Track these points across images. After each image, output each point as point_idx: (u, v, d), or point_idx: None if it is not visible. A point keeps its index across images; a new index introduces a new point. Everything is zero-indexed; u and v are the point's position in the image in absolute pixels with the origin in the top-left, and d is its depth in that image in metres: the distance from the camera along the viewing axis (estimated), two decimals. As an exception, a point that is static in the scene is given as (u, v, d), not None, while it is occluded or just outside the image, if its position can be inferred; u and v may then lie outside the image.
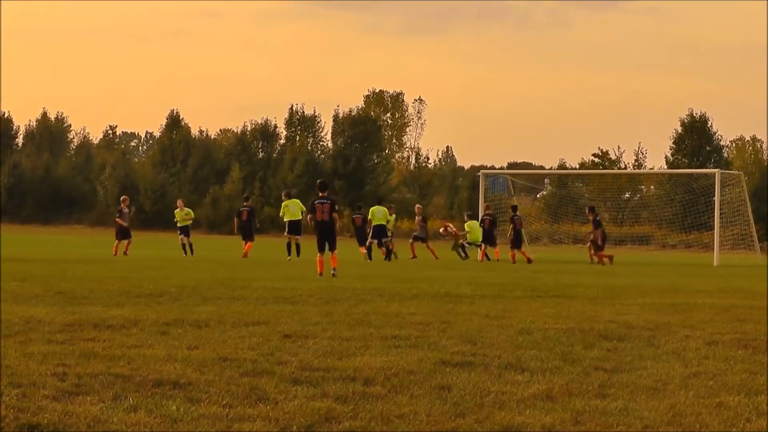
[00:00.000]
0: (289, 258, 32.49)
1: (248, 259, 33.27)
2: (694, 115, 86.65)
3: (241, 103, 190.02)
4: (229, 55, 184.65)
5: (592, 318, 12.60)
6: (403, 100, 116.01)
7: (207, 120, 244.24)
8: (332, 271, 21.98)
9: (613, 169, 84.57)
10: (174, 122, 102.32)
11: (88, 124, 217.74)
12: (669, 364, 8.71)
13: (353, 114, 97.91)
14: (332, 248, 22.49)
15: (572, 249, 48.65)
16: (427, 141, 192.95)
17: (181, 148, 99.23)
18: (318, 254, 22.54)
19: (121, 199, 37.25)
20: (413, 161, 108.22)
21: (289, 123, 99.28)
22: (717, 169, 46.87)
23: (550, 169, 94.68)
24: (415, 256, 37.24)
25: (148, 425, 5.96)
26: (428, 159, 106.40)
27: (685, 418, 6.47)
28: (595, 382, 7.67)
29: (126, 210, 35.44)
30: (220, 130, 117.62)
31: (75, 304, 13.23)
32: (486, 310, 13.56)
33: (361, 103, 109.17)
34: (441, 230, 41.16)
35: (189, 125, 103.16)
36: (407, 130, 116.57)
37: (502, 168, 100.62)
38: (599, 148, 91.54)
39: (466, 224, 39.90)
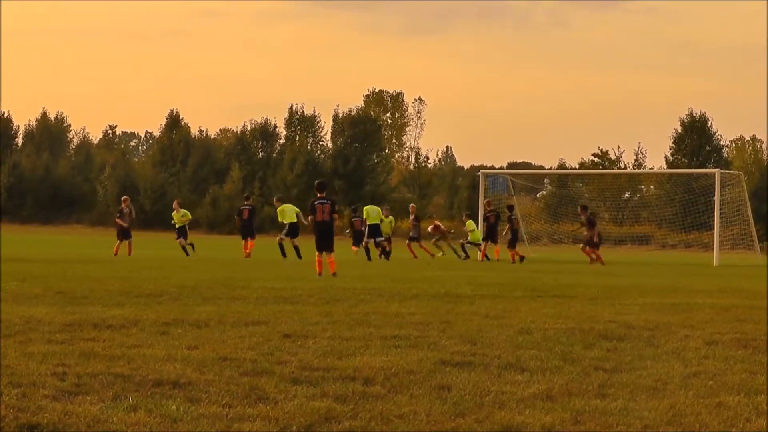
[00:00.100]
0: (285, 257, 32.53)
1: (248, 258, 33.36)
2: (694, 115, 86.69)
3: (241, 103, 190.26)
4: (229, 55, 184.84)
5: (592, 318, 12.60)
6: (402, 99, 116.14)
7: (207, 120, 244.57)
8: (332, 274, 21.96)
9: (612, 169, 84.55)
10: (174, 122, 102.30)
11: (87, 123, 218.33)
12: (669, 364, 8.72)
13: (353, 114, 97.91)
14: (329, 250, 22.44)
15: (572, 249, 48.60)
16: (426, 141, 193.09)
17: (180, 148, 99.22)
18: (317, 254, 22.53)
19: (122, 199, 37.37)
20: (413, 161, 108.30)
21: (289, 123, 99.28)
22: (717, 169, 46.87)
23: (550, 169, 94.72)
24: (416, 257, 37.29)
25: (148, 425, 5.96)
26: (428, 159, 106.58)
27: (684, 418, 6.47)
28: (595, 382, 7.67)
29: (126, 210, 35.48)
30: (220, 129, 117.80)
31: (75, 304, 13.23)
32: (486, 310, 13.56)
33: (360, 103, 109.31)
34: (430, 228, 41.09)
35: (189, 125, 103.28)
36: (407, 129, 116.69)
37: (501, 168, 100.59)
38: (599, 147, 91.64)
39: (466, 224, 39.92)
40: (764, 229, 62.20)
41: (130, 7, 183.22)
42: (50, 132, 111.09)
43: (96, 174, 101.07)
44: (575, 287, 19.23)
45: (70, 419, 6.02)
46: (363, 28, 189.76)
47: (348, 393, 6.99)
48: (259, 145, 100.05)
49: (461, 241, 39.46)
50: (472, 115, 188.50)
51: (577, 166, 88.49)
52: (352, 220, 38.28)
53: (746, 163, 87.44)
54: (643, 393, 7.29)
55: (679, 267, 35.01)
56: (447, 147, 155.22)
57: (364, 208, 36.85)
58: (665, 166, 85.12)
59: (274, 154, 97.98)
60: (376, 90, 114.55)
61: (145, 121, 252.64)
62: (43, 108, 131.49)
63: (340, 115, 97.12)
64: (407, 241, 39.55)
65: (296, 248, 32.85)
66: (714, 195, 42.52)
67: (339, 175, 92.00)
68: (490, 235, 37.11)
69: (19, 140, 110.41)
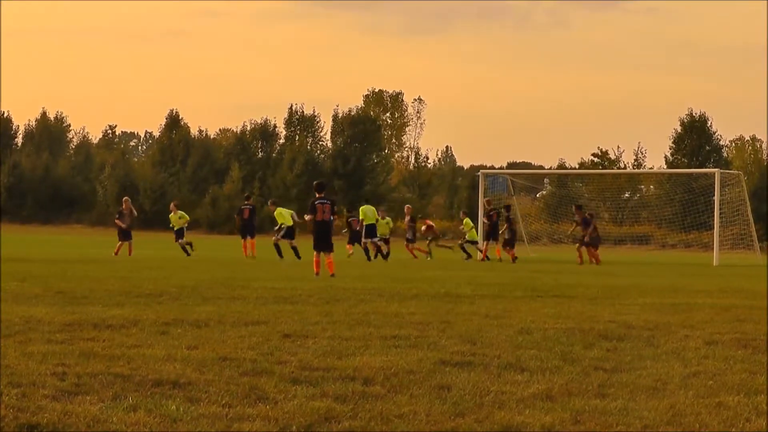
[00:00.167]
0: (282, 258, 32.63)
1: (248, 258, 33.49)
2: (694, 114, 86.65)
3: (241, 102, 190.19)
4: (229, 55, 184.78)
5: (591, 318, 12.60)
6: (402, 99, 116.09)
7: (206, 120, 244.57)
8: (330, 275, 21.96)
9: (612, 168, 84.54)
10: (173, 122, 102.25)
11: (87, 123, 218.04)
12: (669, 363, 8.72)
13: (353, 114, 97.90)
14: (328, 250, 22.48)
15: (572, 249, 48.61)
16: (426, 141, 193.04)
17: (180, 148, 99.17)
18: (315, 254, 22.56)
19: (123, 200, 37.54)
20: (413, 161, 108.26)
21: (289, 123, 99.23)
22: (716, 169, 46.85)
23: (550, 168, 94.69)
24: (415, 257, 37.33)
25: (148, 425, 5.96)
26: (428, 159, 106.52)
27: (684, 418, 6.47)
28: (595, 382, 7.67)
29: (126, 212, 35.63)
30: (220, 129, 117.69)
31: (75, 304, 13.24)
32: (486, 310, 13.56)
33: (360, 103, 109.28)
34: (422, 228, 41.05)
35: (188, 125, 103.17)
36: (407, 129, 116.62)
37: (501, 168, 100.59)
38: (599, 147, 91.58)
39: (463, 222, 39.88)
40: (764, 229, 62.19)
41: (130, 7, 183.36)
42: (50, 132, 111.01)
43: (96, 174, 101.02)
44: (575, 287, 19.23)
45: (70, 419, 6.02)
46: (363, 28, 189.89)
47: (348, 393, 6.99)
48: (259, 145, 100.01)
49: (459, 241, 39.46)
50: (471, 115, 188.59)
51: (577, 166, 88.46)
52: (349, 219, 38.30)
53: (746, 163, 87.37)
54: (642, 393, 7.30)
55: (678, 267, 35.00)
56: (447, 147, 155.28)
57: (360, 208, 36.95)
58: (665, 166, 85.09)
59: (273, 154, 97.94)
60: (376, 90, 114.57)
61: (145, 121, 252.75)
62: (43, 108, 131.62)
63: (340, 115, 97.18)
64: (405, 243, 39.57)
65: (294, 249, 32.94)
66: (714, 195, 42.52)
67: (339, 175, 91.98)
68: (492, 234, 37.03)
69: (19, 140, 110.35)
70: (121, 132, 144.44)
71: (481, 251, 38.16)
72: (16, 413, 6.12)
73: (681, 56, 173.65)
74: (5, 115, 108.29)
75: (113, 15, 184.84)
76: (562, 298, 16.38)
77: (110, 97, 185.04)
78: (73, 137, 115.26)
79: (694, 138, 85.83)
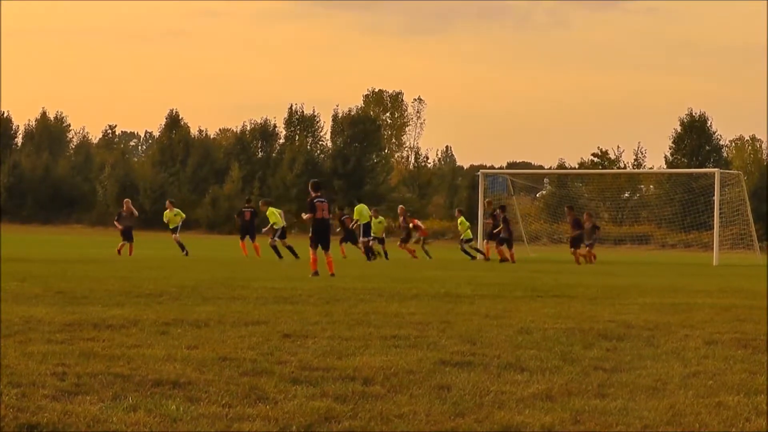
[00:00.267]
0: (281, 258, 32.85)
1: (248, 257, 33.56)
2: (694, 114, 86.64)
3: (241, 102, 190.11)
4: (229, 55, 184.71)
5: (591, 318, 12.60)
6: (402, 99, 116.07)
7: (206, 120, 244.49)
8: (330, 275, 21.99)
9: (612, 168, 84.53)
10: (173, 122, 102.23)
11: (87, 123, 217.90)
12: (668, 363, 8.72)
13: (352, 113, 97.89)
14: (326, 248, 22.65)
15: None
16: (426, 141, 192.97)
17: (180, 148, 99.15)
18: (311, 252, 22.60)
19: (124, 201, 37.77)
20: (413, 161, 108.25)
21: (289, 123, 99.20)
22: (716, 169, 46.86)
23: (550, 168, 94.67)
24: (416, 257, 37.33)
25: (148, 425, 5.97)
26: (428, 158, 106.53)
27: (684, 418, 6.47)
28: (595, 382, 7.67)
29: (125, 213, 35.85)
30: (220, 129, 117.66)
31: (75, 303, 13.24)
32: (486, 310, 13.56)
33: (360, 103, 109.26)
34: (410, 226, 40.97)
35: (188, 125, 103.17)
36: (407, 129, 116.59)
37: (501, 168, 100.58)
38: (599, 147, 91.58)
39: (458, 220, 39.84)
40: (764, 229, 62.20)
41: (130, 7, 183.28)
42: (50, 132, 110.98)
43: (96, 174, 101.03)
44: (575, 287, 19.23)
45: (70, 419, 6.02)
46: (363, 28, 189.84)
47: (348, 393, 7.00)
48: (259, 145, 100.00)
49: (459, 245, 39.45)
50: (471, 115, 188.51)
51: (577, 166, 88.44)
52: (342, 218, 38.32)
53: (746, 163, 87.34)
54: (642, 393, 7.30)
55: (678, 267, 35.01)
56: (447, 147, 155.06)
57: (355, 208, 37.10)
58: (665, 166, 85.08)
59: (273, 154, 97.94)
60: (376, 90, 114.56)
61: (145, 121, 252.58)
62: (43, 108, 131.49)
63: (340, 114, 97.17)
64: (399, 243, 39.60)
65: (290, 249, 33.30)
66: (714, 195, 42.53)
67: (338, 175, 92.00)
68: (496, 234, 36.98)
69: (19, 140, 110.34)
70: (121, 132, 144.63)
71: (481, 252, 38.18)
72: (16, 413, 6.12)
73: (681, 56, 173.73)
74: (5, 115, 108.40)
75: (113, 15, 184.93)
76: (562, 298, 16.38)
77: (110, 97, 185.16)
78: (73, 137, 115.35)
79: (694, 138, 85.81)
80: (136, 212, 36.99)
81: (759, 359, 9.12)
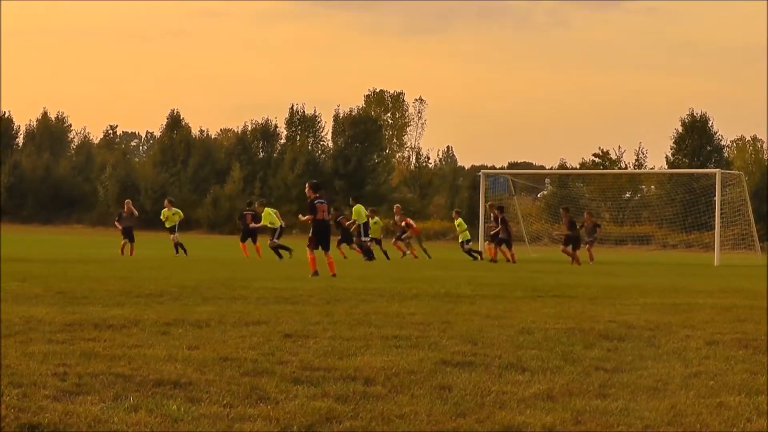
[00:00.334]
0: (281, 258, 33.02)
1: (249, 257, 33.58)
2: (695, 114, 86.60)
3: (242, 103, 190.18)
4: (229, 55, 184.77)
5: (592, 318, 12.60)
6: (403, 99, 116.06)
7: (207, 120, 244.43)
8: (332, 275, 22.00)
9: (613, 169, 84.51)
10: (174, 122, 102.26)
11: (88, 123, 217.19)
12: (669, 364, 8.71)
13: (354, 114, 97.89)
14: (326, 248, 22.68)
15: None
16: (427, 141, 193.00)
17: (181, 148, 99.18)
18: (309, 253, 22.60)
19: (125, 202, 37.84)
20: (414, 161, 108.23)
21: (290, 123, 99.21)
22: (717, 169, 46.86)
23: (551, 169, 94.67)
24: (416, 257, 37.34)
25: (149, 425, 5.96)
26: (429, 159, 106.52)
27: (685, 418, 6.47)
28: (596, 382, 7.67)
29: (125, 214, 35.98)
30: (221, 129, 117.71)
31: (75, 304, 13.23)
32: (486, 310, 13.56)
33: (361, 103, 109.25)
34: (402, 224, 40.91)
35: (189, 125, 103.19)
36: (408, 129, 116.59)
37: (502, 168, 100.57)
38: (600, 148, 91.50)
39: (455, 222, 39.82)
40: (765, 229, 62.20)
41: (130, 7, 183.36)
42: (51, 132, 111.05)
43: (97, 174, 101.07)
44: (575, 287, 19.23)
45: (71, 419, 6.02)
46: (363, 28, 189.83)
47: (349, 393, 6.99)
48: (260, 145, 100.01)
49: (461, 247, 39.42)
50: (472, 115, 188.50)
51: (578, 166, 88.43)
52: (338, 219, 38.32)
53: (747, 163, 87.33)
54: (643, 393, 7.29)
55: (679, 267, 35.00)
56: (448, 147, 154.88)
57: (353, 209, 37.11)
58: (666, 166, 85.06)
59: (274, 154, 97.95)
60: (377, 90, 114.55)
61: (146, 121, 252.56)
62: (44, 108, 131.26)
63: (341, 115, 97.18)
64: (394, 240, 39.62)
65: (287, 248, 33.57)
66: (715, 195, 42.52)
67: (340, 175, 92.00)
68: (495, 235, 36.95)
69: (20, 140, 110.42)
70: (122, 132, 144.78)
71: (480, 253, 38.17)
72: (17, 413, 6.12)
73: (681, 56, 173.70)
74: (6, 115, 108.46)
75: (113, 15, 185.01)
76: (562, 298, 16.37)
77: (111, 97, 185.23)
78: (74, 137, 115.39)
79: (695, 138, 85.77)
80: (136, 213, 37.14)
81: (760, 359, 9.12)
